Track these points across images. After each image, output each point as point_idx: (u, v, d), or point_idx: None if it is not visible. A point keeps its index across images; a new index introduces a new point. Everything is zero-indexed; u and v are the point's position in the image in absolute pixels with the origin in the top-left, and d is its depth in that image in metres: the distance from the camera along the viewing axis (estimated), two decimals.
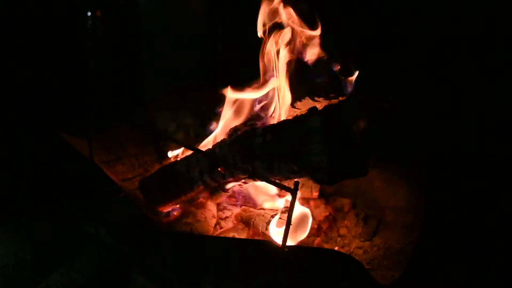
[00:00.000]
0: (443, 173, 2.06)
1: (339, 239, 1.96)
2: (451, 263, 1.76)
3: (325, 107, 1.60)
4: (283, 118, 1.90)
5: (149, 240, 1.69)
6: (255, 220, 1.87)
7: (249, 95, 1.97)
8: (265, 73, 1.96)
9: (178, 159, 2.00)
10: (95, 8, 2.61)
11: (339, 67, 1.82)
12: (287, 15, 1.93)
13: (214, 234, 1.88)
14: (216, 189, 1.89)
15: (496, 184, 2.04)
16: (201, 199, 1.97)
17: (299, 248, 1.75)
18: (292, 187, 1.25)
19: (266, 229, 1.82)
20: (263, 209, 1.93)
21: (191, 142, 2.22)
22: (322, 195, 2.14)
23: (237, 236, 1.85)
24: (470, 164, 2.10)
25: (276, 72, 1.93)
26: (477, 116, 2.19)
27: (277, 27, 1.95)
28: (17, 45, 2.26)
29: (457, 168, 2.09)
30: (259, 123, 1.89)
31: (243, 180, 1.80)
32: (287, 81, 1.91)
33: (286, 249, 1.38)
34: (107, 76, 2.65)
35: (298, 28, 1.92)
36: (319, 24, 1.92)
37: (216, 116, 2.09)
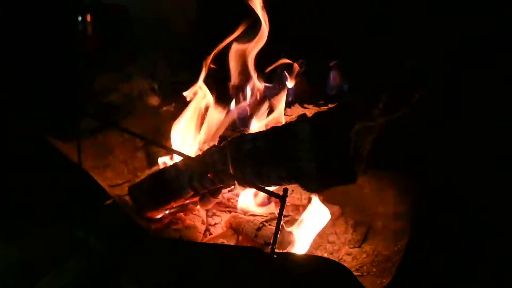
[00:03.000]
0: (432, 178, 2.07)
1: (328, 245, 1.96)
2: (441, 270, 1.76)
3: (315, 114, 1.60)
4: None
5: (138, 246, 1.68)
6: (244, 226, 1.87)
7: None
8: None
9: (168, 165, 2.00)
10: (86, 12, 2.61)
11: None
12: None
13: (204, 241, 1.88)
14: (206, 195, 1.89)
15: (487, 188, 2.05)
16: (190, 206, 1.97)
17: (288, 254, 1.75)
18: (281, 193, 1.26)
19: (256, 235, 1.82)
20: (253, 215, 1.93)
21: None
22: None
23: (226, 243, 1.85)
24: (460, 169, 2.12)
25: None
26: (469, 119, 2.20)
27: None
28: (5, 48, 2.25)
29: (446, 173, 2.10)
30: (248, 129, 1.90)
31: (232, 187, 1.81)
32: None
33: (275, 256, 1.38)
34: (97, 80, 2.65)
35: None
36: None
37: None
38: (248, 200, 1.97)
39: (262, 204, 1.99)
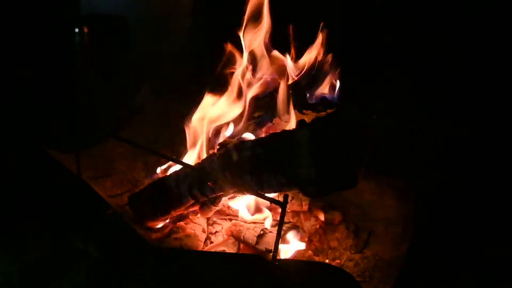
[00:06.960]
0: (432, 183, 2.07)
1: (329, 251, 1.95)
2: (442, 274, 1.76)
3: (313, 120, 1.61)
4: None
5: (138, 256, 1.67)
6: (245, 234, 1.86)
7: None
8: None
9: (167, 174, 1.99)
10: (83, 25, 2.62)
11: None
12: None
13: (204, 249, 1.87)
14: (206, 203, 1.88)
15: (485, 192, 2.06)
16: (190, 214, 1.96)
17: (290, 261, 1.75)
18: (282, 200, 1.25)
19: (257, 242, 1.81)
20: (253, 222, 1.93)
21: (180, 156, 2.21)
22: (312, 208, 2.14)
23: (227, 251, 1.84)
24: (459, 173, 2.12)
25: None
26: (466, 124, 2.21)
27: None
28: (4, 60, 2.25)
29: (445, 177, 2.11)
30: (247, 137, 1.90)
31: (232, 194, 1.80)
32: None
33: (277, 263, 1.38)
34: (95, 90, 2.65)
35: None
36: None
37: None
38: None
39: None
